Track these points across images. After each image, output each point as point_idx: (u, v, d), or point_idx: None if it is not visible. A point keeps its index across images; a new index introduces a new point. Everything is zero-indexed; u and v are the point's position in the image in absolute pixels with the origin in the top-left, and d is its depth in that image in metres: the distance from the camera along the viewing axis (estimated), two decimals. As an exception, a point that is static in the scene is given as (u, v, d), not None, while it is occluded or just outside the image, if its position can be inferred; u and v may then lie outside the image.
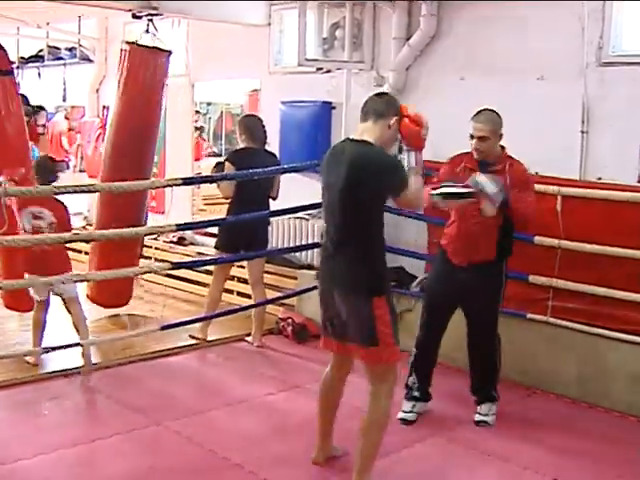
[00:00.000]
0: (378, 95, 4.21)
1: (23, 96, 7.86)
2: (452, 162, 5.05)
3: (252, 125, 6.67)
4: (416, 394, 5.20)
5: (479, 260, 4.86)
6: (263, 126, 6.68)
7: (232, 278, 7.56)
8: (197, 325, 6.62)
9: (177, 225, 6.03)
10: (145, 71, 6.65)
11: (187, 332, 6.60)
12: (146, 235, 7.06)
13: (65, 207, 5.79)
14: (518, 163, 4.89)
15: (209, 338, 6.67)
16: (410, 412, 5.14)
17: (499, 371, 5.14)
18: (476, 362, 5.14)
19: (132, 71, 6.63)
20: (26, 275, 5.71)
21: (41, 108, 7.71)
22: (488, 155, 4.85)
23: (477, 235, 4.83)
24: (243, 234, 6.45)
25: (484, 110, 4.84)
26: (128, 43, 6.82)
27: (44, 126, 7.73)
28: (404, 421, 5.08)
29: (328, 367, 4.31)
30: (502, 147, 4.91)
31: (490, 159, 4.86)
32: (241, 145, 6.64)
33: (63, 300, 5.82)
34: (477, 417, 5.08)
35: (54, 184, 5.55)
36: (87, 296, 6.91)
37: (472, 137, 4.83)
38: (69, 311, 5.85)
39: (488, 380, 5.13)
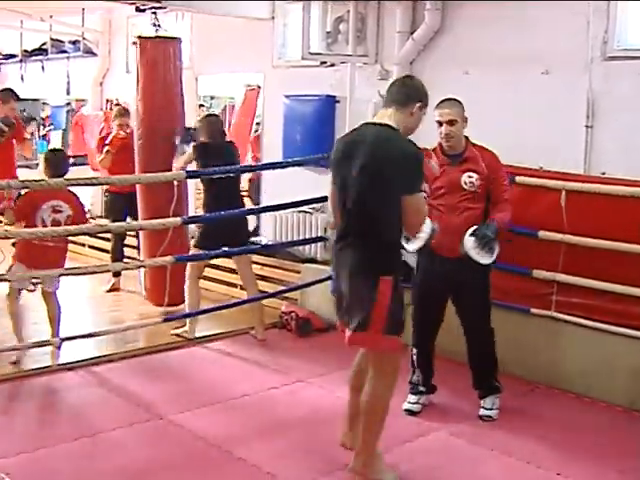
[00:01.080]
0: (403, 79, 4.15)
1: (11, 90, 7.90)
2: None
3: (207, 125, 6.70)
4: (422, 389, 5.21)
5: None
6: (220, 123, 6.91)
7: (235, 272, 7.56)
8: (185, 322, 6.61)
9: (182, 219, 6.02)
10: (162, 60, 6.95)
11: (175, 330, 6.61)
12: (143, 229, 7.07)
13: (78, 198, 5.87)
14: (487, 150, 4.95)
15: (210, 332, 6.67)
16: (416, 403, 5.16)
17: (497, 361, 5.12)
18: (474, 355, 5.13)
19: (151, 63, 6.92)
20: (15, 263, 5.73)
21: (32, 119, 7.93)
22: (456, 144, 4.88)
23: (461, 226, 4.83)
24: (224, 230, 6.43)
25: (448, 98, 4.90)
26: (138, 37, 6.96)
27: (32, 134, 7.92)
28: (409, 412, 5.10)
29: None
30: (466, 137, 4.95)
31: (458, 149, 4.90)
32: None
33: (43, 292, 5.90)
34: (481, 411, 5.07)
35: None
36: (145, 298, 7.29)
37: (440, 124, 4.84)
38: (47, 303, 5.94)
39: (488, 372, 5.12)
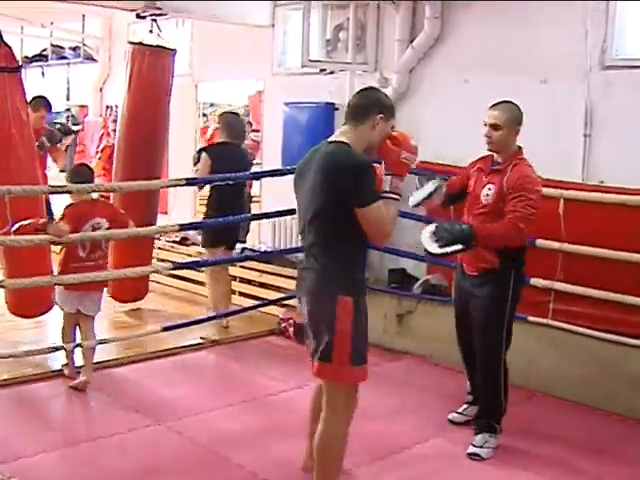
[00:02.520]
0: (360, 92, 3.77)
1: (43, 98, 7.76)
2: (472, 164, 4.88)
3: (232, 122, 6.77)
4: (469, 397, 5.15)
5: (484, 268, 4.63)
6: (243, 125, 6.80)
7: (234, 278, 7.58)
8: (209, 326, 6.67)
9: (180, 225, 6.04)
10: (152, 70, 6.78)
11: (189, 332, 6.61)
12: (149, 235, 7.05)
13: (114, 207, 5.81)
14: (523, 166, 4.56)
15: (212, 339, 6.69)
16: (459, 414, 5.12)
17: (502, 402, 4.78)
18: (478, 384, 4.90)
19: (139, 71, 6.76)
20: (59, 289, 5.51)
21: (72, 131, 7.66)
22: (499, 149, 4.61)
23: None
24: (227, 231, 6.67)
25: (504, 101, 4.65)
26: (133, 43, 6.89)
27: (67, 147, 7.70)
28: (451, 422, 5.09)
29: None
30: (519, 147, 4.66)
31: (502, 156, 4.63)
32: (220, 139, 6.79)
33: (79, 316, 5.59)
34: (470, 448, 4.69)
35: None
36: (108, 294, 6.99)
37: (485, 125, 4.62)
38: (82, 330, 5.63)
39: (487, 408, 4.82)
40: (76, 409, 5.31)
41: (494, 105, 4.63)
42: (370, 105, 3.63)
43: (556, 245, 5.53)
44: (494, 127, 4.57)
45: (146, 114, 6.82)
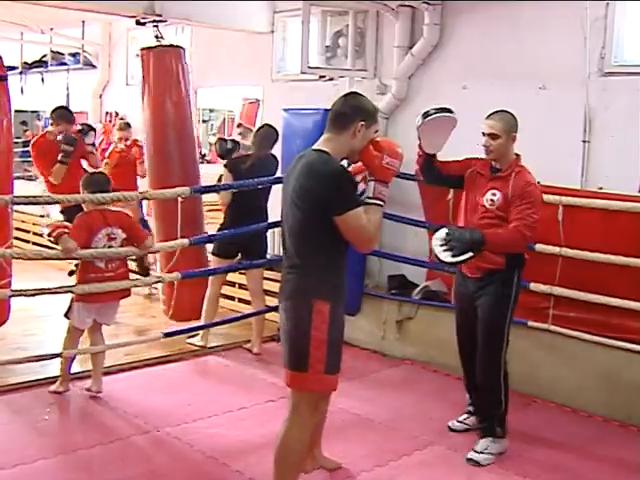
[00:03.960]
0: (340, 100, 3.72)
1: (67, 109, 7.51)
2: (468, 160, 4.89)
3: (260, 134, 6.68)
4: (469, 408, 5.14)
5: (489, 269, 4.65)
6: (271, 134, 6.73)
7: (233, 284, 7.58)
8: (198, 333, 6.63)
9: (190, 240, 5.98)
10: (168, 70, 6.85)
11: (190, 339, 6.62)
12: (157, 252, 6.95)
13: (130, 217, 5.66)
14: (525, 174, 4.63)
15: (210, 345, 6.68)
16: (460, 422, 5.12)
17: (502, 403, 4.77)
18: (479, 385, 4.87)
19: (156, 73, 6.81)
20: (74, 304, 5.40)
21: (91, 128, 7.46)
22: (498, 157, 4.66)
23: None
24: (240, 240, 6.50)
25: (500, 110, 4.69)
26: (142, 49, 6.94)
27: (93, 144, 7.44)
28: (450, 429, 5.09)
29: None
30: (517, 155, 4.72)
31: (501, 163, 4.68)
32: (246, 150, 6.69)
33: (93, 324, 5.53)
34: (469, 454, 4.70)
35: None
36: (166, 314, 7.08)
37: (483, 134, 4.66)
38: (92, 338, 5.60)
39: (487, 410, 4.84)
40: (75, 415, 5.31)
41: (490, 115, 4.68)
42: (351, 112, 3.60)
43: (556, 250, 5.53)
44: (492, 136, 4.62)
45: (169, 116, 6.85)
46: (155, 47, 6.93)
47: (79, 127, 7.39)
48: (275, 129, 6.77)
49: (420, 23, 6.70)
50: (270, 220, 6.53)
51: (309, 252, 3.56)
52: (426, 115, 4.75)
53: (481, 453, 4.68)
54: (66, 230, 5.14)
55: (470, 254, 4.47)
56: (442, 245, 4.51)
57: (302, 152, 3.70)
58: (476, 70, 6.41)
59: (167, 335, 6.11)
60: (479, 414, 4.93)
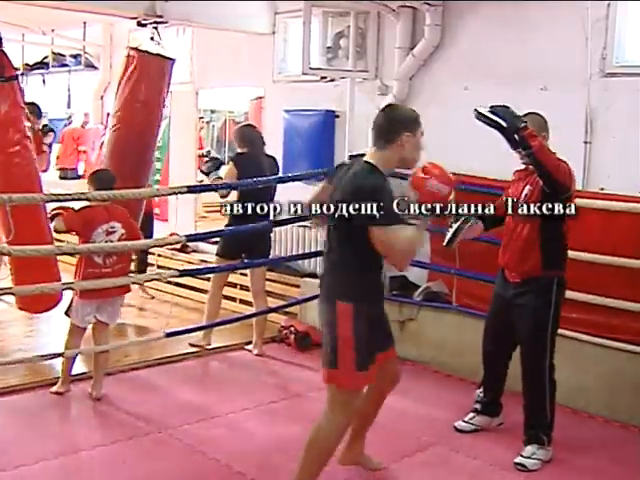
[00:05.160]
0: (382, 112, 3.87)
1: (35, 105, 7.78)
2: (505, 192, 4.91)
3: (249, 134, 6.68)
4: (476, 406, 5.13)
5: (527, 273, 4.64)
6: (260, 133, 6.76)
7: (235, 286, 7.59)
8: (199, 333, 6.62)
9: (187, 236, 6.00)
10: (147, 77, 6.70)
11: (191, 340, 6.62)
12: (155, 247, 7.01)
13: (129, 215, 5.63)
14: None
15: (211, 346, 6.68)
16: (466, 423, 5.10)
17: (548, 413, 4.69)
18: (525, 396, 4.78)
19: (133, 77, 6.69)
20: (75, 301, 5.41)
21: (51, 130, 7.74)
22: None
23: (519, 244, 4.68)
24: (244, 241, 6.48)
25: (528, 113, 4.68)
26: (131, 49, 6.88)
27: (50, 146, 7.72)
28: (456, 429, 5.08)
29: None
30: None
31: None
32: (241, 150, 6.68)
33: (96, 323, 5.52)
34: (517, 458, 4.64)
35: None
36: None
37: None
38: (97, 337, 5.56)
39: (534, 417, 4.74)
40: (76, 417, 5.31)
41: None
42: (393, 126, 3.74)
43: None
44: None
45: (135, 121, 6.70)
46: (144, 52, 6.84)
47: (42, 124, 7.60)
48: (256, 127, 6.89)
49: (421, 24, 6.70)
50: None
51: (344, 255, 3.75)
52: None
53: (529, 458, 4.62)
54: (63, 212, 5.22)
55: (504, 122, 4.42)
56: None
57: (351, 158, 3.96)
58: (477, 71, 6.41)
59: (169, 335, 6.11)
60: (525, 421, 4.79)
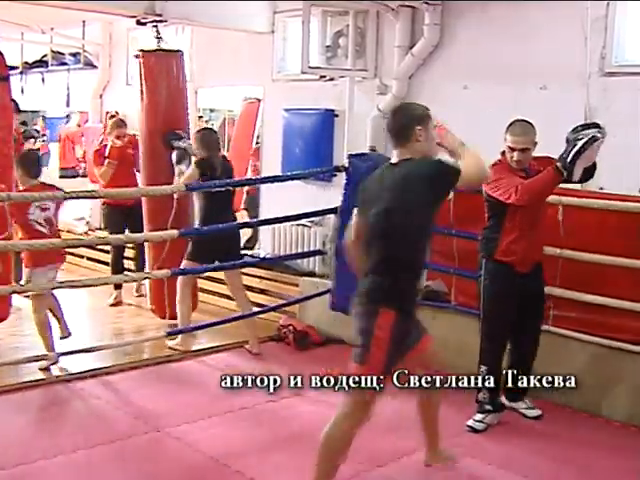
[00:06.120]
0: (392, 115, 4.02)
1: (14, 102, 7.86)
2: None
3: (206, 138, 6.67)
4: (488, 407, 5.18)
5: (537, 260, 5.11)
6: (217, 137, 6.87)
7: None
8: (180, 336, 6.59)
9: (180, 231, 6.02)
10: (167, 74, 6.99)
11: (190, 337, 6.62)
12: (147, 242, 7.08)
13: (56, 188, 5.92)
14: (545, 159, 4.97)
15: (207, 345, 6.69)
16: (479, 422, 5.15)
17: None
18: (522, 354, 5.23)
19: (154, 76, 6.94)
20: (31, 271, 5.82)
21: (32, 136, 7.89)
22: (525, 165, 4.94)
23: (537, 238, 5.04)
24: (217, 245, 6.43)
25: (518, 122, 4.89)
26: (143, 51, 6.97)
27: (29, 151, 7.91)
28: (472, 429, 5.12)
29: None
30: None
31: (525, 167, 4.95)
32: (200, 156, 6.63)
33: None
34: (529, 412, 5.31)
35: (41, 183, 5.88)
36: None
37: (512, 150, 4.87)
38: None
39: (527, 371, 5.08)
40: (75, 416, 5.30)
41: (513, 128, 4.90)
42: (405, 124, 3.86)
43: (556, 251, 5.52)
44: (524, 151, 4.87)
45: (167, 118, 6.99)
46: (154, 50, 6.99)
47: (23, 129, 7.70)
48: (215, 131, 7.13)
49: (420, 23, 6.69)
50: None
51: (388, 259, 3.80)
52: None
53: (534, 408, 5.32)
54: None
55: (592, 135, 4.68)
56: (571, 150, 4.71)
57: (377, 171, 3.97)
58: (477, 70, 6.41)
59: (169, 334, 6.11)
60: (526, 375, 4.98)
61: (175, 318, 6.79)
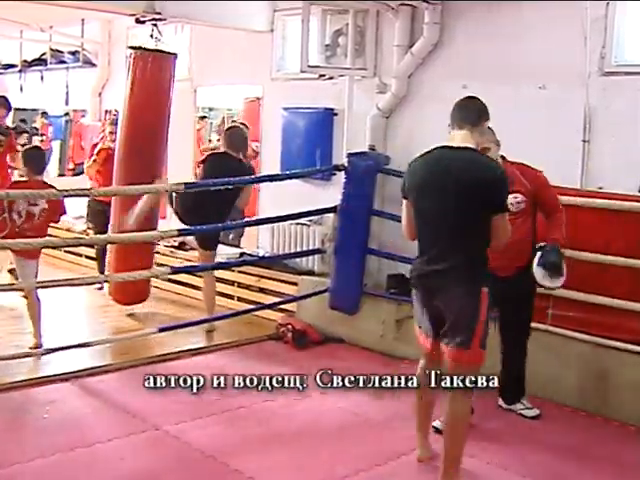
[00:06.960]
0: (470, 99, 4.20)
1: (3, 97, 7.91)
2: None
3: (233, 134, 6.86)
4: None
5: (520, 266, 5.01)
6: (245, 138, 6.91)
7: (232, 284, 7.58)
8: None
9: (179, 230, 6.02)
10: (153, 74, 6.80)
11: (186, 337, 6.61)
12: (147, 240, 7.06)
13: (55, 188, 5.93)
14: (524, 167, 5.03)
15: (205, 344, 6.70)
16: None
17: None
18: (511, 364, 5.24)
19: (140, 75, 6.80)
20: (16, 260, 6.03)
21: (25, 131, 7.96)
22: None
23: (514, 245, 4.76)
24: (214, 236, 6.90)
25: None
26: (133, 48, 6.90)
27: (23, 146, 7.89)
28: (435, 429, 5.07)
29: (421, 362, 4.43)
30: (502, 157, 4.95)
31: None
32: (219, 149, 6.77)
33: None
34: (527, 412, 5.29)
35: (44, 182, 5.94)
36: (110, 295, 7.39)
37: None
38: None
39: (518, 377, 5.28)
40: (72, 414, 5.28)
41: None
42: (481, 111, 4.12)
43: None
44: (485, 150, 4.71)
45: (147, 118, 6.82)
46: (146, 50, 6.89)
47: (15, 125, 7.74)
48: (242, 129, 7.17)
49: (420, 22, 6.69)
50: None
51: (472, 245, 3.99)
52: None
53: (531, 409, 5.31)
54: None
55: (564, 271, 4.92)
56: (543, 275, 4.92)
57: (431, 154, 4.10)
58: (476, 69, 6.40)
59: (162, 330, 6.11)
60: (507, 381, 5.11)
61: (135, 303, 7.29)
